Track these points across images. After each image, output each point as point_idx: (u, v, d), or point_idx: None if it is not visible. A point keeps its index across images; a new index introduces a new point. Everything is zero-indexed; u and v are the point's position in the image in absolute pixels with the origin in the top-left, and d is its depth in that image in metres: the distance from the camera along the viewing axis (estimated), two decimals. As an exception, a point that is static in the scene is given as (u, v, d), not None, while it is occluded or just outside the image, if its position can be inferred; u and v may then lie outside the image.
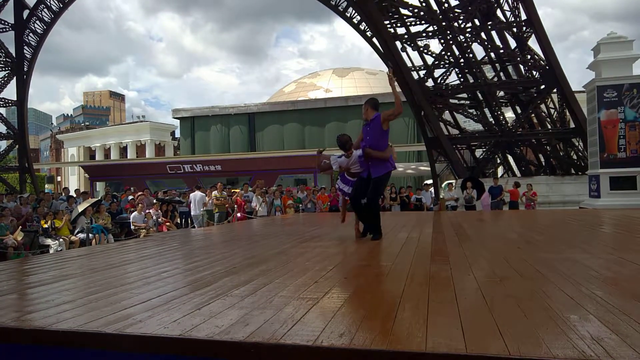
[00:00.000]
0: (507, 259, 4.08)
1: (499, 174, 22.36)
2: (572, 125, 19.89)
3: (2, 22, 27.77)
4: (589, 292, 2.75)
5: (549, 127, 20.65)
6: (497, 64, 21.22)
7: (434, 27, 20.44)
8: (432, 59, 20.79)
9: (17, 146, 29.08)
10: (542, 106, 20.77)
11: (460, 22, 19.98)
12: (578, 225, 7.85)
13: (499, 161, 22.41)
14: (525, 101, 20.67)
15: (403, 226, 7.90)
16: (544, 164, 20.82)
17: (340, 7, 24.60)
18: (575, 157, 19.85)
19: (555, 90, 19.66)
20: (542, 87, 19.76)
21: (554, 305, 2.43)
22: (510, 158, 21.81)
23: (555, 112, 20.58)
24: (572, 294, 2.69)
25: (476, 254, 4.53)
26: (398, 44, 20.62)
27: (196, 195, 15.06)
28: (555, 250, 4.86)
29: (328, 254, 4.83)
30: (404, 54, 20.71)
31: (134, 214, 13.03)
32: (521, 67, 20.67)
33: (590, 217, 9.45)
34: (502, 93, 21.45)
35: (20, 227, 10.74)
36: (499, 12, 20.34)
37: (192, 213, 15.04)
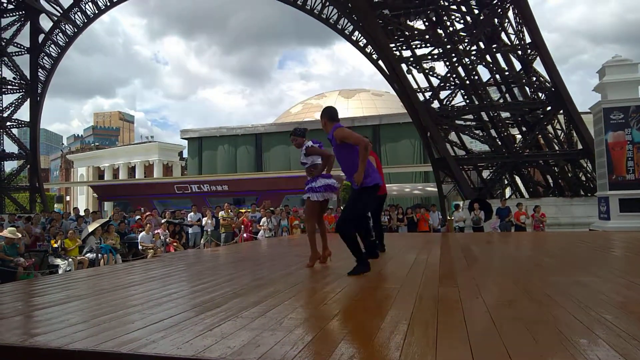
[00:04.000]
0: (516, 282, 4.08)
1: (507, 195, 22.27)
2: (580, 146, 19.88)
3: (18, 45, 28.60)
4: (599, 316, 2.75)
5: (557, 148, 20.63)
6: (502, 86, 21.38)
7: (439, 50, 20.70)
8: (438, 81, 20.99)
9: (28, 166, 29.53)
10: (549, 127, 20.80)
11: (465, 45, 20.23)
12: (588, 248, 7.80)
13: (506, 182, 22.34)
14: (531, 122, 20.73)
15: (411, 247, 7.89)
16: (552, 185, 20.74)
17: (346, 31, 25.04)
18: (583, 178, 19.77)
19: (561, 111, 19.71)
20: (548, 108, 19.85)
21: (563, 329, 2.44)
22: (518, 179, 21.76)
23: (562, 134, 20.60)
24: (581, 318, 2.69)
25: (485, 276, 4.53)
26: (404, 66, 20.87)
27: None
28: (565, 273, 4.84)
29: (336, 276, 4.84)
30: (409, 76, 20.95)
31: (142, 234, 13.09)
32: (527, 88, 20.80)
33: (600, 240, 9.38)
34: (508, 114, 21.54)
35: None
36: (503, 35, 20.60)
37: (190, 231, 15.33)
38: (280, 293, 3.79)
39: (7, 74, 28.43)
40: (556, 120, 20.68)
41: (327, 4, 24.81)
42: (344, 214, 4.81)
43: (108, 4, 28.39)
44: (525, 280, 4.19)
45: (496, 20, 20.18)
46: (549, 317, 2.76)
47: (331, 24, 25.36)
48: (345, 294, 3.79)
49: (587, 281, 4.09)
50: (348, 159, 4.69)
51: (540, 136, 20.87)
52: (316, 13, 25.34)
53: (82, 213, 16.22)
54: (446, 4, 20.44)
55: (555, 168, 20.32)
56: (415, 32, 20.83)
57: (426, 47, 21.23)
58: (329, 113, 4.93)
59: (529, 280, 4.19)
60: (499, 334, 2.38)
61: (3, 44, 28.00)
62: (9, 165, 31.51)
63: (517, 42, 20.11)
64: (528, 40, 19.73)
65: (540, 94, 20.01)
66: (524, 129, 21.41)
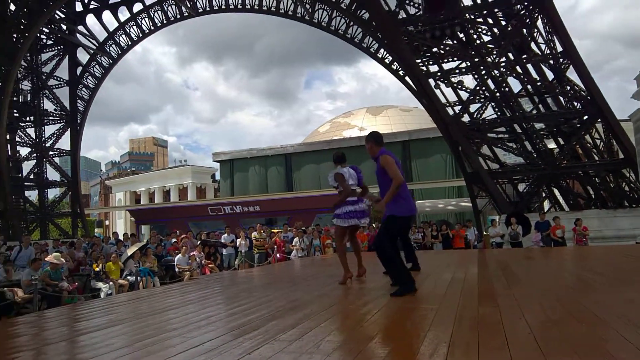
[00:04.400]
0: (561, 301, 3.93)
1: (545, 209, 21.58)
2: (621, 155, 19.13)
3: (58, 78, 30.23)
4: (651, 336, 2.62)
5: (596, 158, 19.92)
6: (535, 96, 20.91)
7: (467, 63, 20.51)
8: (467, 94, 20.76)
9: (70, 193, 30.76)
10: (587, 137, 20.13)
11: (493, 56, 19.97)
12: (636, 263, 7.45)
13: (544, 195, 21.65)
14: (568, 132, 20.14)
15: (447, 265, 7.73)
16: (593, 196, 19.97)
17: (371, 49, 25.20)
18: (627, 188, 18.95)
19: (599, 120, 19.09)
20: (585, 117, 19.25)
21: (612, 351, 2.34)
22: (556, 191, 21.06)
23: (602, 143, 19.88)
24: (631, 338, 2.56)
25: (526, 295, 4.38)
26: (431, 81, 20.76)
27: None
28: (612, 290, 4.64)
29: (372, 296, 4.79)
30: (437, 91, 20.81)
31: (178, 256, 13.33)
32: (561, 98, 20.29)
33: (647, 253, 8.95)
34: (542, 125, 21.01)
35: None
36: (533, 45, 20.24)
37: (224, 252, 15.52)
38: (316, 315, 3.78)
39: (49, 105, 30.04)
40: (594, 129, 20.01)
41: (352, 23, 25.09)
42: (378, 240, 4.88)
43: (140, 35, 29.69)
44: (570, 298, 4.03)
45: (525, 30, 19.88)
46: (596, 338, 2.64)
47: (356, 43, 25.60)
48: (381, 315, 3.74)
49: (636, 298, 3.90)
50: (386, 185, 4.80)
51: (578, 146, 20.23)
52: (341, 33, 25.66)
53: (120, 237, 16.69)
54: (472, 17, 20.32)
55: (596, 179, 19.58)
56: (442, 47, 20.75)
57: (453, 61, 21.09)
58: (375, 137, 5.09)
59: (574, 298, 4.03)
60: (544, 357, 2.30)
61: (44, 77, 29.65)
62: (52, 193, 32.99)
63: (548, 52, 19.70)
64: (559, 48, 19.31)
65: (575, 103, 19.46)
66: (560, 139, 20.81)
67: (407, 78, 22.82)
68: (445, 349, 2.54)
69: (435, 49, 20.79)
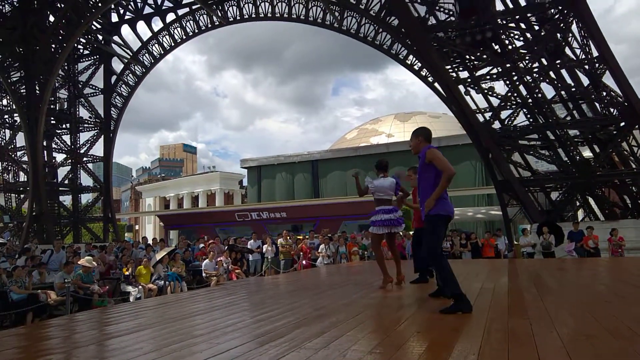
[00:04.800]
0: (594, 315, 3.79)
1: (579, 218, 20.92)
2: (660, 163, 18.42)
3: (93, 87, 31.34)
4: (693, 354, 2.50)
5: (633, 166, 19.22)
6: (569, 103, 20.36)
7: (498, 69, 20.16)
8: (498, 101, 20.38)
9: (102, 198, 31.66)
10: (624, 144, 19.45)
11: (526, 62, 19.56)
12: (675, 275, 7.14)
13: (578, 204, 20.99)
14: (603, 140, 19.50)
15: (476, 275, 7.58)
16: (630, 205, 19.24)
17: (400, 55, 25.11)
18: (665, 197, 18.23)
19: (637, 127, 18.44)
20: (622, 124, 18.62)
21: (652, 369, 2.24)
22: (591, 200, 20.40)
23: (639, 150, 19.19)
24: (672, 357, 2.46)
25: (558, 307, 4.25)
26: (461, 87, 20.49)
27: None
28: (650, 304, 4.45)
29: (399, 305, 4.74)
30: (467, 97, 20.51)
31: (205, 261, 13.51)
32: (596, 104, 19.69)
33: (688, 265, 8.56)
34: (577, 132, 20.43)
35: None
36: (567, 50, 19.73)
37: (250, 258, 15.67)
38: (342, 323, 3.76)
39: (84, 113, 31.19)
40: (631, 136, 19.33)
41: (380, 30, 25.07)
42: (425, 250, 4.51)
43: (172, 44, 30.48)
44: (604, 312, 3.89)
45: (559, 35, 19.41)
46: (633, 354, 2.53)
47: (385, 50, 25.56)
48: (409, 325, 3.69)
49: (677, 314, 3.73)
50: (427, 183, 4.48)
51: (614, 153, 19.57)
52: (370, 40, 25.68)
53: (150, 242, 17.04)
54: (504, 22, 19.98)
55: (633, 187, 18.89)
56: (472, 53, 20.47)
57: (484, 67, 20.77)
58: (426, 133, 4.71)
59: (608, 312, 3.88)
60: (578, 373, 2.22)
61: (80, 86, 30.80)
62: (85, 198, 33.98)
63: (583, 57, 19.15)
64: (595, 53, 18.75)
65: (612, 109, 18.85)
66: (595, 146, 20.18)
67: (436, 84, 22.61)
68: (473, 362, 2.48)
69: (465, 55, 20.53)
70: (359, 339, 3.16)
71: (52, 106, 28.33)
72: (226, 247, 15.55)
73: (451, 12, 20.68)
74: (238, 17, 28.55)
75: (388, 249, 6.60)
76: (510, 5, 19.71)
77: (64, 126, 30.14)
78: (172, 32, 30.14)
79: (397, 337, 3.22)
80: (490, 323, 3.54)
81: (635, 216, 18.35)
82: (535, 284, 6.20)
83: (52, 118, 28.95)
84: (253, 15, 28.12)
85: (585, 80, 19.53)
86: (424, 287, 5.96)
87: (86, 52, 31.24)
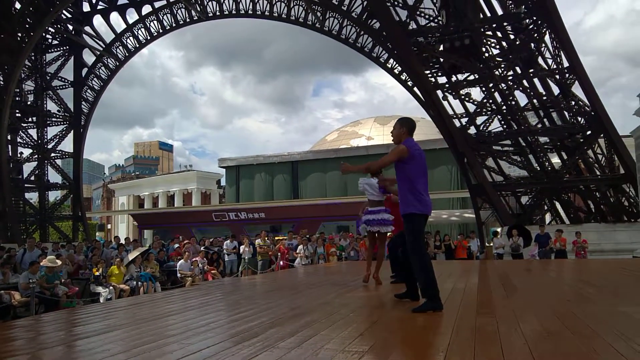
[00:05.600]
0: (556, 313, 3.97)
1: (547, 221, 21.55)
2: (622, 170, 19.16)
3: (63, 79, 29.97)
4: (643, 350, 2.66)
5: (598, 173, 19.94)
6: (540, 111, 20.96)
7: (475, 76, 20.60)
8: (474, 107, 20.82)
9: (71, 196, 30.64)
10: (590, 152, 20.16)
11: (501, 70, 20.07)
12: (632, 276, 7.45)
13: (546, 208, 21.64)
14: (571, 147, 20.17)
15: (449, 275, 7.76)
16: (593, 210, 19.97)
17: (381, 59, 25.33)
18: (626, 203, 18.98)
19: (602, 135, 19.14)
20: (589, 132, 19.30)
21: (605, 364, 2.38)
22: (558, 204, 21.06)
23: (603, 158, 19.92)
24: (623, 351, 2.60)
25: (523, 306, 4.42)
26: (439, 92, 20.86)
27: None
28: (608, 303, 4.67)
29: (372, 305, 4.83)
30: (445, 102, 20.88)
31: (180, 262, 13.38)
32: (565, 113, 20.34)
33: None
34: (547, 139, 21.04)
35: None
36: (540, 60, 20.31)
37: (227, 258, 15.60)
38: (316, 323, 3.82)
39: (52, 106, 29.68)
40: (597, 145, 20.05)
41: (362, 33, 25.24)
42: (408, 248, 4.45)
43: (148, 37, 29.49)
44: (565, 310, 4.07)
45: (532, 44, 19.98)
46: (590, 351, 2.68)
47: (366, 52, 25.72)
48: (381, 324, 3.79)
49: (630, 311, 3.93)
50: (399, 179, 4.45)
51: (580, 161, 20.26)
52: (351, 42, 25.78)
53: (122, 241, 16.74)
54: (481, 30, 20.43)
55: (597, 193, 19.60)
56: (450, 59, 20.84)
57: (462, 73, 21.19)
58: (411, 126, 4.56)
59: (570, 310, 4.06)
60: (537, 368, 2.34)
61: (48, 78, 29.28)
62: (53, 195, 32.80)
63: (555, 67, 19.77)
64: (566, 64, 19.38)
65: (579, 118, 19.52)
66: (563, 153, 20.83)
67: (415, 89, 22.92)
68: (442, 357, 2.58)
69: (443, 60, 20.89)
70: (332, 338, 3.23)
71: (17, 98, 26.87)
72: (202, 248, 15.43)
73: (431, 18, 21.05)
74: (218, 13, 27.94)
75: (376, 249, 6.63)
76: (488, 14, 20.20)
77: (30, 119, 28.71)
78: (147, 25, 29.02)
79: (370, 336, 3.30)
80: (459, 321, 3.67)
81: (597, 220, 19.07)
82: (504, 284, 6.40)
83: (17, 111, 27.50)
84: (233, 12, 27.55)
85: (555, 90, 20.17)
86: (400, 287, 6.06)
87: (55, 42, 29.70)
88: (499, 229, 17.79)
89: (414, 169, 4.35)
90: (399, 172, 4.43)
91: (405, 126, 4.53)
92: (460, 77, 21.32)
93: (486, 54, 20.43)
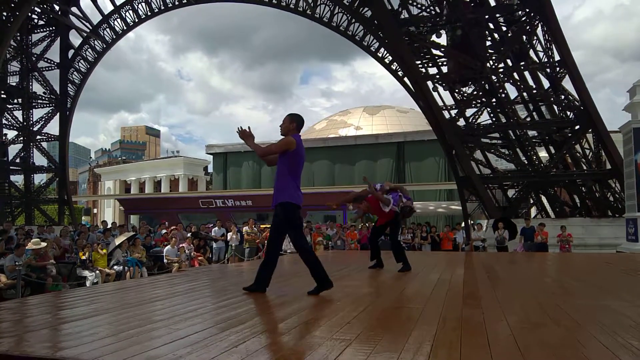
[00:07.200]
0: (541, 305, 4.02)
1: (533, 215, 21.82)
2: (608, 166, 19.40)
3: (49, 61, 29.37)
4: (625, 341, 2.70)
5: (584, 167, 20.17)
6: (530, 104, 21.09)
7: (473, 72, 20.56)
8: (464, 99, 20.87)
9: (57, 179, 30.30)
10: (577, 146, 20.38)
11: (492, 62, 20.10)
12: (615, 271, 7.59)
13: (532, 201, 21.90)
14: (559, 141, 20.36)
15: (434, 267, 7.82)
16: (579, 205, 20.24)
17: (372, 48, 25.17)
18: (612, 198, 19.25)
19: (590, 130, 19.33)
20: (577, 127, 19.47)
21: (589, 355, 2.41)
22: (544, 198, 21.32)
23: (591, 153, 20.15)
24: (607, 344, 2.65)
25: (509, 298, 4.48)
26: (429, 83, 20.86)
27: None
28: (591, 296, 4.75)
29: (359, 295, 4.85)
30: (435, 93, 20.90)
31: (167, 247, 13.31)
32: (555, 107, 20.49)
33: (627, 262, 9.12)
34: (535, 132, 21.21)
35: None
36: (532, 53, 20.39)
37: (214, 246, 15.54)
38: (303, 311, 3.83)
39: (38, 88, 29.12)
40: (584, 140, 20.26)
41: (353, 20, 25.03)
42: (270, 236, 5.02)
43: (136, 20, 28.89)
44: (550, 303, 4.12)
45: (524, 37, 20.01)
46: (574, 342, 2.72)
47: (357, 41, 25.50)
48: (368, 313, 3.80)
49: (613, 305, 4.00)
50: (280, 169, 4.72)
51: (567, 155, 20.47)
52: (342, 30, 25.56)
53: (109, 226, 16.60)
54: (473, 21, 20.40)
55: (583, 188, 19.85)
56: (441, 49, 20.82)
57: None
58: (300, 122, 4.74)
59: (555, 303, 4.12)
60: (523, 358, 2.37)
61: (34, 59, 28.65)
62: (38, 178, 32.38)
63: (546, 60, 19.85)
64: (557, 58, 19.46)
65: (568, 113, 19.67)
66: (551, 147, 21.03)
67: (405, 79, 22.88)
68: (428, 348, 2.60)
69: (435, 51, 20.87)
70: (319, 326, 3.24)
71: (2, 79, 26.50)
72: (189, 234, 15.35)
73: (424, 7, 20.96)
74: (207, -5, 27.58)
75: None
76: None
77: (15, 101, 28.22)
78: (135, 7, 28.38)
79: (357, 324, 3.31)
80: (446, 312, 3.70)
81: (582, 215, 19.34)
82: (489, 276, 6.48)
83: (2, 92, 27.11)
84: (223, -6, 27.28)
85: (546, 83, 20.27)
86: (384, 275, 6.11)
87: (41, 22, 28.94)
88: (481, 222, 17.89)
89: (296, 163, 4.60)
90: (282, 163, 4.61)
91: (295, 121, 4.70)
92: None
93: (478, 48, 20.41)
